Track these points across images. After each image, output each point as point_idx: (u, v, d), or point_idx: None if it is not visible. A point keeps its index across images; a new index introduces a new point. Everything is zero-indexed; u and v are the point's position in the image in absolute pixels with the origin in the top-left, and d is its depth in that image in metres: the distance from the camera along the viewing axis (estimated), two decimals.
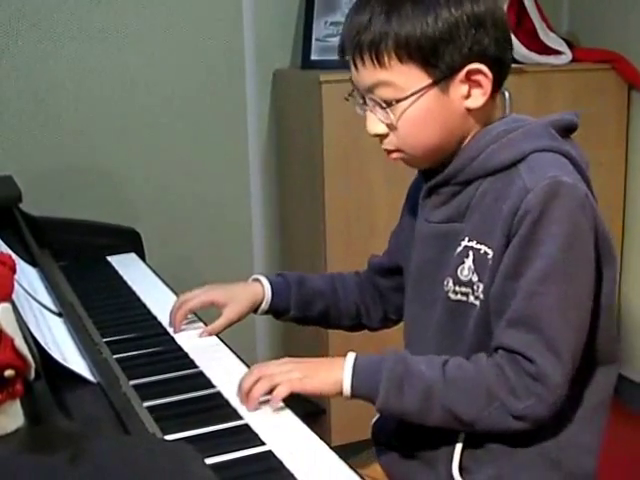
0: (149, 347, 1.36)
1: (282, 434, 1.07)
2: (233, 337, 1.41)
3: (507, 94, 2.34)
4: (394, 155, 1.21)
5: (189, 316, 1.45)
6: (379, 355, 1.14)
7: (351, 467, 1.00)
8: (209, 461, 0.97)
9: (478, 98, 1.15)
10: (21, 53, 2.31)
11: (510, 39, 1.19)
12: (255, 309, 1.42)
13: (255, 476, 0.98)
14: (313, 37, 2.52)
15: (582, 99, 2.56)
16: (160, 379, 1.24)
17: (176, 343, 1.38)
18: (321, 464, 1.01)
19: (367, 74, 1.15)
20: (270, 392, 1.13)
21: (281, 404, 1.13)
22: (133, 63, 2.44)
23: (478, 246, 1.15)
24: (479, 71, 1.14)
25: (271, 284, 1.42)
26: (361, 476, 0.98)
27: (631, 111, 2.70)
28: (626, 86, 2.67)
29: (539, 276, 1.08)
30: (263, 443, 1.04)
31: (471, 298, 1.16)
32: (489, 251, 1.13)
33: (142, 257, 1.95)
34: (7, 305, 0.98)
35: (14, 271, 1.13)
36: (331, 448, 1.04)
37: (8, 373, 0.88)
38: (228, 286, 1.44)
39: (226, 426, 1.09)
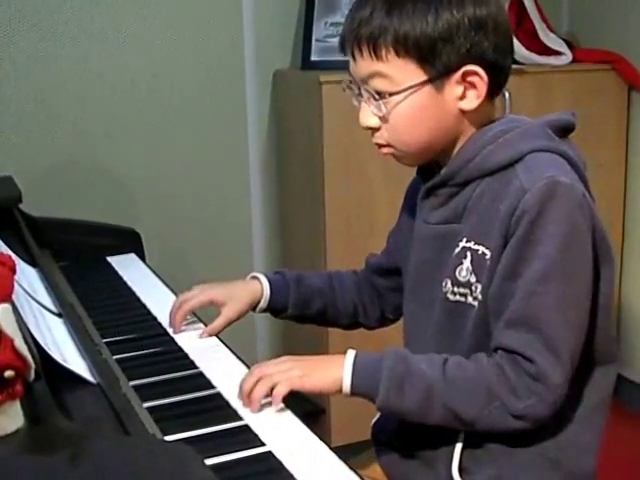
0: (149, 348, 1.36)
1: (282, 435, 1.07)
2: (233, 336, 1.41)
3: (507, 94, 2.34)
4: (384, 150, 1.21)
5: (188, 317, 1.44)
6: (379, 353, 1.14)
7: (351, 468, 1.00)
8: (209, 462, 0.97)
9: (472, 100, 1.15)
10: (21, 53, 2.31)
11: (511, 46, 1.19)
12: (254, 307, 1.42)
13: (255, 477, 0.98)
14: (313, 38, 2.52)
15: (582, 100, 2.56)
16: (160, 380, 1.24)
17: (176, 344, 1.38)
18: (321, 465, 1.01)
19: (364, 65, 1.16)
20: (271, 392, 1.13)
21: (282, 405, 1.13)
22: (133, 63, 2.44)
23: (476, 247, 1.15)
24: (475, 73, 1.14)
25: (270, 282, 1.42)
26: (361, 476, 0.98)
27: (631, 112, 2.70)
28: (626, 87, 2.67)
29: (537, 276, 1.08)
30: (263, 444, 1.04)
31: (469, 299, 1.16)
32: (487, 252, 1.13)
33: (142, 257, 1.95)
34: (7, 306, 0.98)
35: (14, 271, 1.13)
36: (331, 449, 1.04)
37: (8, 374, 0.88)
38: (226, 285, 1.44)
39: (226, 427, 1.09)
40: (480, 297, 1.14)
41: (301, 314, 1.45)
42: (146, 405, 1.14)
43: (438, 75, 1.13)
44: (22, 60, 2.31)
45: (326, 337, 2.38)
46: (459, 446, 1.18)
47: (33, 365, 0.94)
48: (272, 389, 1.13)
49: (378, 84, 1.15)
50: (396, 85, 1.14)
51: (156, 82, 2.47)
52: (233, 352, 1.35)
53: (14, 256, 1.37)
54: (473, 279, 1.15)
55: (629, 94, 2.69)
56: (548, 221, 1.08)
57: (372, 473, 1.31)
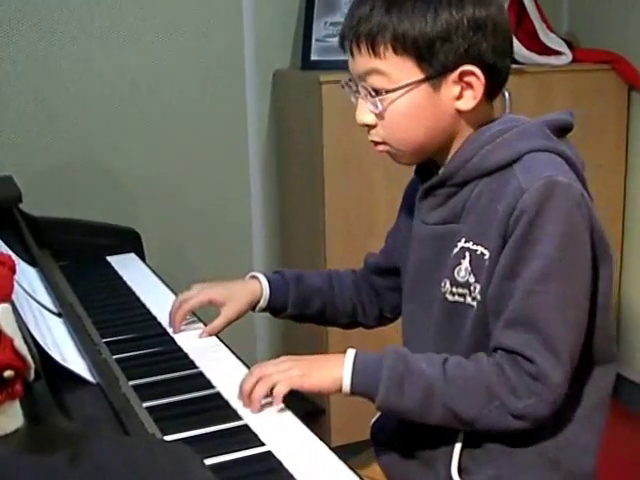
0: (149, 347, 1.36)
1: (282, 434, 1.07)
2: (232, 336, 1.42)
3: (507, 94, 2.34)
4: (380, 147, 1.22)
5: (188, 316, 1.44)
6: (379, 353, 1.14)
7: (350, 467, 1.00)
8: (209, 462, 0.97)
9: (469, 100, 1.16)
10: (21, 53, 2.31)
11: (510, 48, 1.19)
12: (253, 307, 1.42)
13: (254, 476, 0.98)
14: (313, 37, 2.52)
15: (582, 100, 2.56)
16: (160, 379, 1.24)
17: (176, 343, 1.38)
18: (320, 464, 1.01)
19: (362, 61, 1.16)
20: (271, 392, 1.13)
21: (282, 405, 1.13)
22: (133, 63, 2.44)
23: (474, 247, 1.15)
24: (472, 73, 1.14)
25: (269, 282, 1.42)
26: (360, 476, 0.98)
27: (631, 112, 2.70)
28: (626, 87, 2.67)
29: (536, 276, 1.08)
30: (263, 444, 1.04)
31: (468, 299, 1.16)
32: (485, 252, 1.13)
33: (142, 257, 1.95)
34: (7, 305, 0.98)
35: (14, 271, 1.13)
36: (330, 448, 1.04)
37: (8, 374, 0.88)
38: (226, 284, 1.44)
39: (226, 427, 1.09)
40: (479, 297, 1.14)
41: (300, 313, 1.45)
42: (146, 405, 1.14)
43: (435, 74, 1.13)
44: (22, 60, 2.31)
45: (325, 337, 2.38)
46: (458, 446, 1.18)
47: (33, 365, 0.94)
48: (272, 389, 1.13)
49: (375, 81, 1.16)
50: (393, 82, 1.14)
51: (156, 82, 2.47)
52: (233, 352, 1.35)
53: (14, 256, 1.37)
54: (472, 279, 1.15)
55: (629, 94, 2.69)
56: (546, 221, 1.08)
57: (372, 473, 1.32)
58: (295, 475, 0.97)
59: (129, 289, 1.70)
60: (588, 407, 1.19)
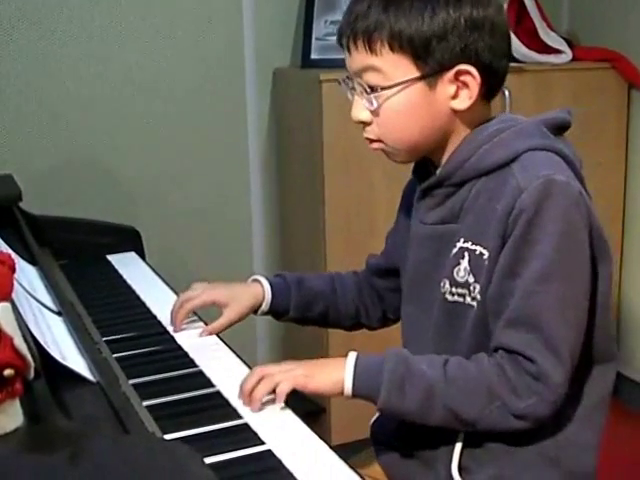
0: (149, 346, 1.36)
1: (282, 433, 1.07)
2: (234, 338, 1.41)
3: (507, 93, 2.34)
4: (374, 145, 1.22)
5: (189, 315, 1.45)
6: (380, 355, 1.14)
7: (351, 467, 1.00)
8: (208, 460, 0.97)
9: (465, 100, 1.15)
10: (21, 53, 2.31)
11: (508, 49, 1.19)
12: (255, 310, 1.42)
13: (254, 475, 0.98)
14: (313, 36, 2.52)
15: (582, 98, 2.56)
16: (159, 378, 1.24)
17: (176, 342, 1.38)
18: (321, 463, 1.01)
19: (358, 58, 1.16)
20: (273, 392, 1.13)
21: (282, 403, 1.13)
22: (133, 62, 2.43)
23: (473, 247, 1.15)
24: (468, 73, 1.14)
25: (271, 285, 1.42)
26: (361, 475, 0.98)
27: (631, 110, 2.70)
28: (626, 85, 2.67)
29: (536, 275, 1.08)
30: (262, 442, 1.04)
31: (468, 299, 1.16)
32: (484, 252, 1.13)
33: (142, 256, 1.95)
34: (6, 304, 0.98)
35: (13, 270, 1.13)
36: (331, 447, 1.04)
37: (7, 372, 0.88)
38: (229, 286, 1.44)
39: (225, 425, 1.09)
40: (479, 297, 1.14)
41: (303, 316, 1.45)
42: (145, 403, 1.14)
43: (431, 72, 1.13)
44: (22, 59, 2.31)
45: (326, 339, 2.38)
46: (459, 446, 1.18)
47: (32, 364, 0.94)
48: (274, 390, 1.13)
49: (371, 78, 1.16)
50: (389, 80, 1.14)
51: (156, 81, 2.47)
52: (233, 350, 1.35)
53: (14, 254, 1.37)
54: (471, 279, 1.15)
55: (629, 92, 2.68)
56: (545, 220, 1.08)
57: (372, 472, 1.31)
58: (295, 474, 0.97)
59: (129, 288, 1.70)
60: (588, 406, 1.19)
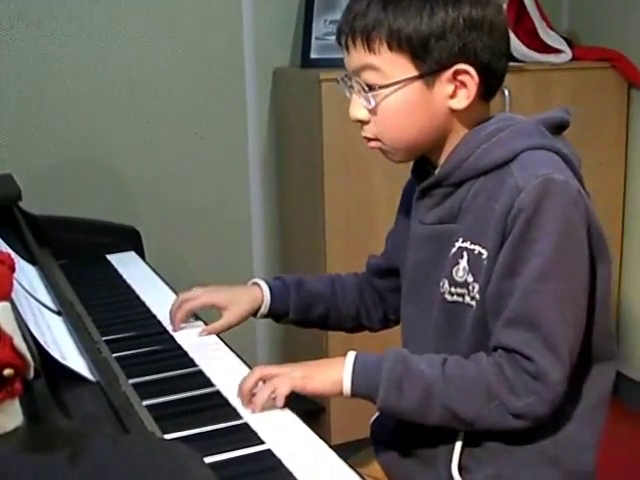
0: (148, 346, 1.36)
1: (281, 433, 1.07)
2: (234, 340, 1.41)
3: (507, 92, 2.34)
4: (372, 144, 1.22)
5: (193, 321, 1.45)
6: (379, 354, 1.14)
7: (350, 466, 1.00)
8: (208, 460, 0.97)
9: (462, 100, 1.15)
10: (21, 52, 2.31)
11: (506, 50, 1.18)
12: (254, 313, 1.42)
13: (254, 475, 0.98)
14: (313, 35, 2.52)
15: (582, 98, 2.56)
16: (159, 378, 1.24)
17: (175, 342, 1.38)
18: (320, 463, 1.01)
19: (357, 56, 1.16)
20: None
21: (281, 406, 1.12)
22: (133, 62, 2.44)
23: (472, 246, 1.15)
24: (466, 72, 1.14)
25: (270, 288, 1.42)
26: (360, 475, 0.98)
27: (631, 110, 2.70)
28: (626, 85, 2.67)
29: (535, 274, 1.08)
30: (262, 442, 1.04)
31: (467, 299, 1.16)
32: (483, 251, 1.13)
33: (142, 255, 1.95)
34: (6, 304, 0.98)
35: (13, 270, 1.13)
36: (330, 447, 1.04)
37: (7, 372, 0.88)
38: (229, 289, 1.44)
39: (225, 425, 1.09)
40: (478, 297, 1.14)
41: (302, 319, 1.45)
42: (145, 403, 1.14)
43: (429, 71, 1.13)
44: (22, 59, 2.31)
45: (326, 341, 2.38)
46: (459, 445, 1.18)
47: (32, 363, 0.94)
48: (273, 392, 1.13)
49: (369, 76, 1.16)
50: (386, 78, 1.15)
51: (156, 80, 2.47)
52: (232, 350, 1.35)
53: (13, 254, 1.37)
54: (470, 279, 1.15)
55: (629, 92, 2.68)
56: (544, 219, 1.08)
57: (372, 471, 1.31)
58: (295, 473, 0.97)
59: (129, 287, 1.70)
60: (588, 405, 1.19)
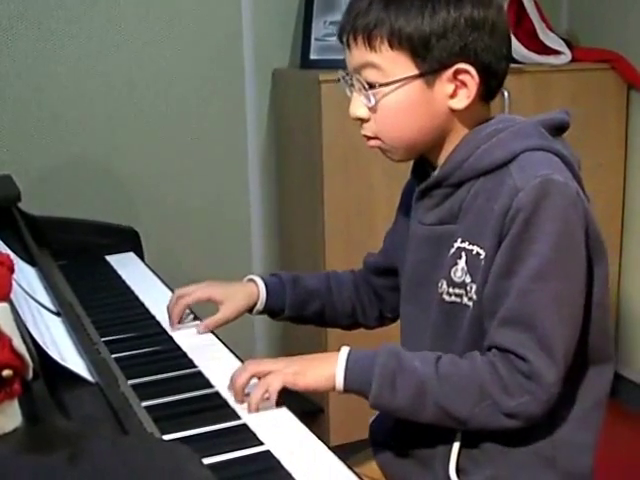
0: (148, 346, 1.36)
1: (280, 434, 1.07)
2: (231, 336, 1.42)
3: (506, 94, 2.34)
4: (371, 142, 1.22)
5: (188, 312, 1.45)
6: (373, 350, 1.14)
7: (349, 466, 1.00)
8: (207, 461, 0.97)
9: (462, 99, 1.16)
10: (21, 52, 2.31)
11: (507, 51, 1.19)
12: (250, 309, 1.42)
13: (253, 476, 0.98)
14: (312, 36, 2.52)
15: (581, 99, 2.56)
16: (158, 379, 1.24)
17: (175, 343, 1.38)
18: (319, 464, 1.01)
19: (358, 54, 1.16)
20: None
21: (277, 402, 1.12)
22: (133, 62, 2.44)
23: (470, 247, 1.15)
24: (467, 72, 1.14)
25: (266, 284, 1.42)
26: (359, 475, 0.99)
27: (630, 111, 2.70)
28: (625, 86, 2.67)
29: (532, 274, 1.08)
30: (261, 443, 1.04)
31: (465, 299, 1.16)
32: (481, 252, 1.13)
33: (141, 256, 1.95)
34: (5, 305, 0.98)
35: (12, 271, 1.13)
36: (329, 448, 1.04)
37: (6, 373, 0.88)
38: (225, 284, 1.44)
39: (224, 426, 1.09)
40: (475, 297, 1.14)
41: (298, 315, 1.45)
42: (144, 404, 1.14)
43: (429, 70, 1.14)
44: (22, 59, 2.31)
45: (325, 337, 2.38)
46: (456, 446, 1.18)
47: (31, 364, 0.94)
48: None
49: (369, 75, 1.16)
50: (387, 77, 1.15)
51: (155, 81, 2.47)
52: (232, 351, 1.35)
53: (13, 255, 1.37)
54: (468, 279, 1.15)
55: (628, 93, 2.69)
56: (543, 219, 1.08)
57: (370, 472, 1.31)
58: (294, 474, 0.97)
59: (128, 288, 1.70)
60: (584, 407, 1.19)
